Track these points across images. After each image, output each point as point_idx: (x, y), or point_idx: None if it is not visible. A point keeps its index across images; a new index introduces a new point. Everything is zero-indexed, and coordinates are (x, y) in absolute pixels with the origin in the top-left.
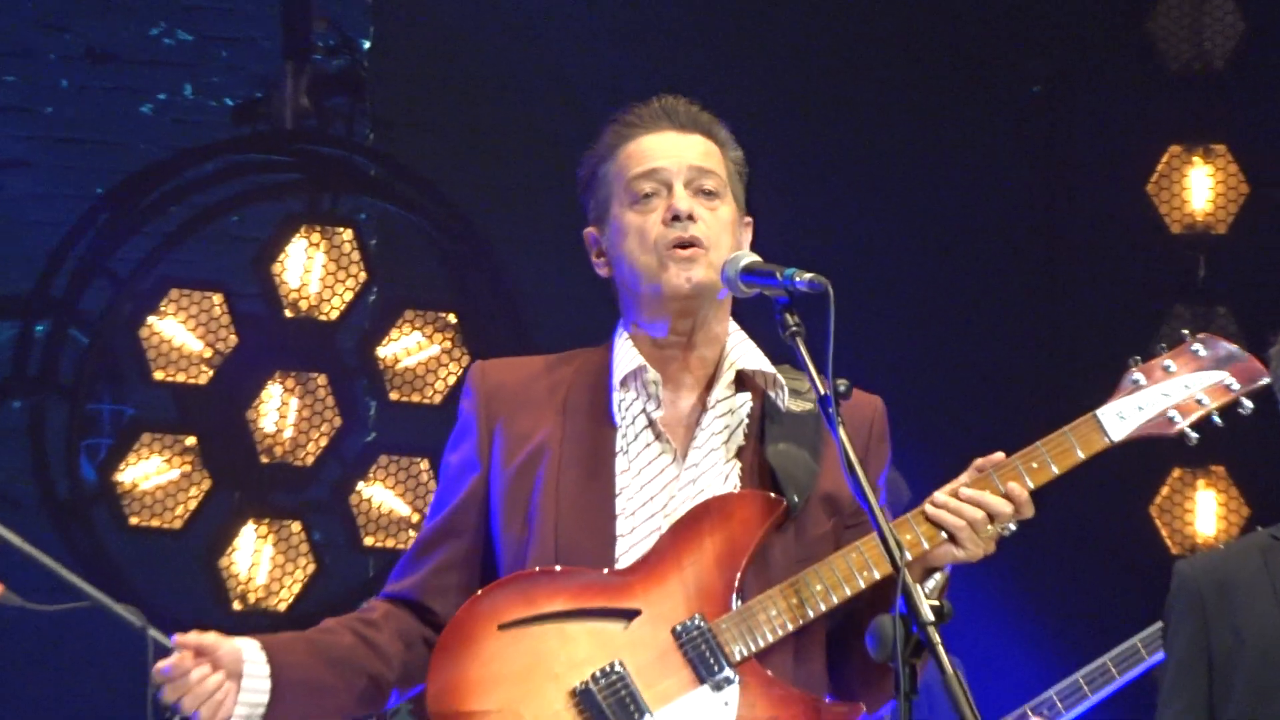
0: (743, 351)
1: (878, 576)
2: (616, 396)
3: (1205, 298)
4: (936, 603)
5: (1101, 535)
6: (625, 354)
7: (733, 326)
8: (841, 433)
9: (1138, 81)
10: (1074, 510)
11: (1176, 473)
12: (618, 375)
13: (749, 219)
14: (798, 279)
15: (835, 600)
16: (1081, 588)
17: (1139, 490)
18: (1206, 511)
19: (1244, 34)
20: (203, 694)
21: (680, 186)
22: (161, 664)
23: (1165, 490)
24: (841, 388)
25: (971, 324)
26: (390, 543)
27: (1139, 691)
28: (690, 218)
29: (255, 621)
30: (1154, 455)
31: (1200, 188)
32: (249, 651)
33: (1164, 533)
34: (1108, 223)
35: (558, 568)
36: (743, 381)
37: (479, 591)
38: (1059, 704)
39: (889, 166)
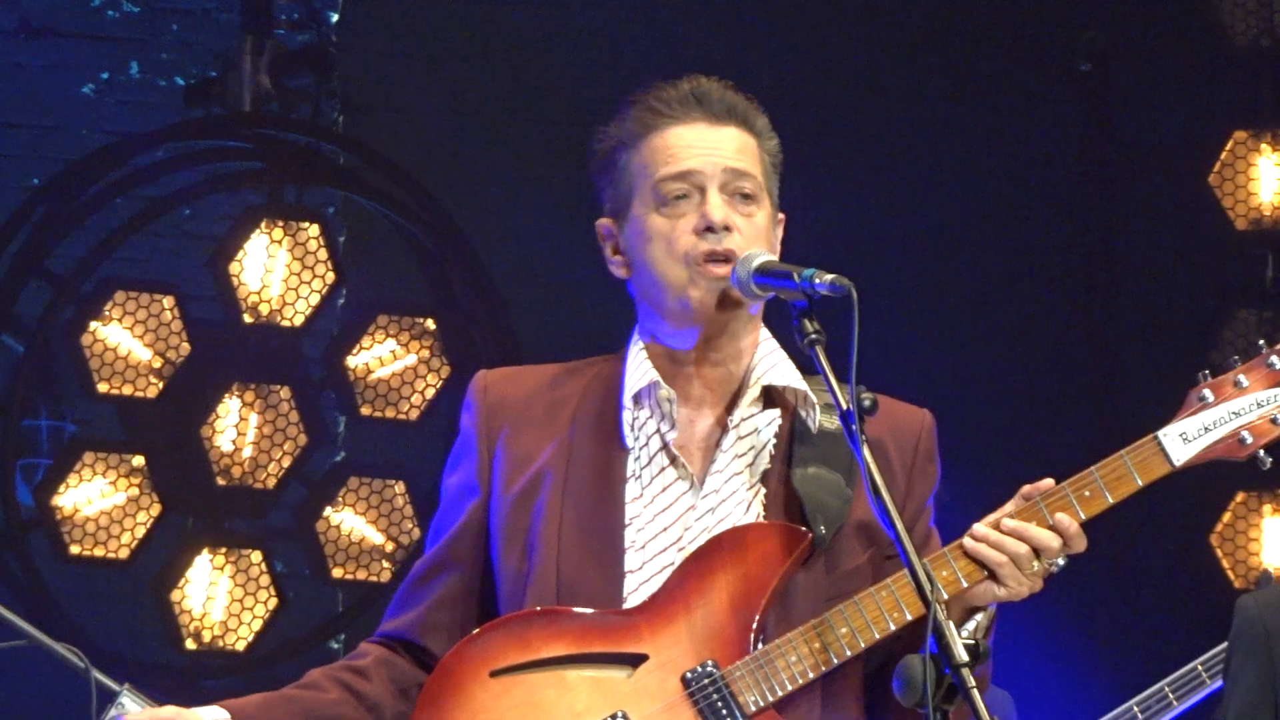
0: (771, 364)
1: (909, 618)
2: (628, 415)
3: (1274, 301)
4: (972, 641)
5: (1156, 565)
6: (638, 368)
7: (764, 335)
8: (866, 452)
9: (1199, 59)
10: (1125, 538)
11: (1240, 497)
12: (629, 391)
13: (782, 215)
14: (818, 281)
15: (862, 644)
16: (1135, 622)
17: (1199, 516)
18: (1274, 540)
19: None
20: None
21: (715, 192)
22: None
23: (1228, 516)
24: (867, 401)
25: (1012, 333)
26: (361, 574)
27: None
28: (726, 228)
29: (210, 662)
30: (1216, 477)
31: (1268, 178)
32: None
33: (1225, 563)
34: (1164, 218)
35: (557, 608)
36: (771, 398)
37: (471, 634)
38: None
39: (921, 156)
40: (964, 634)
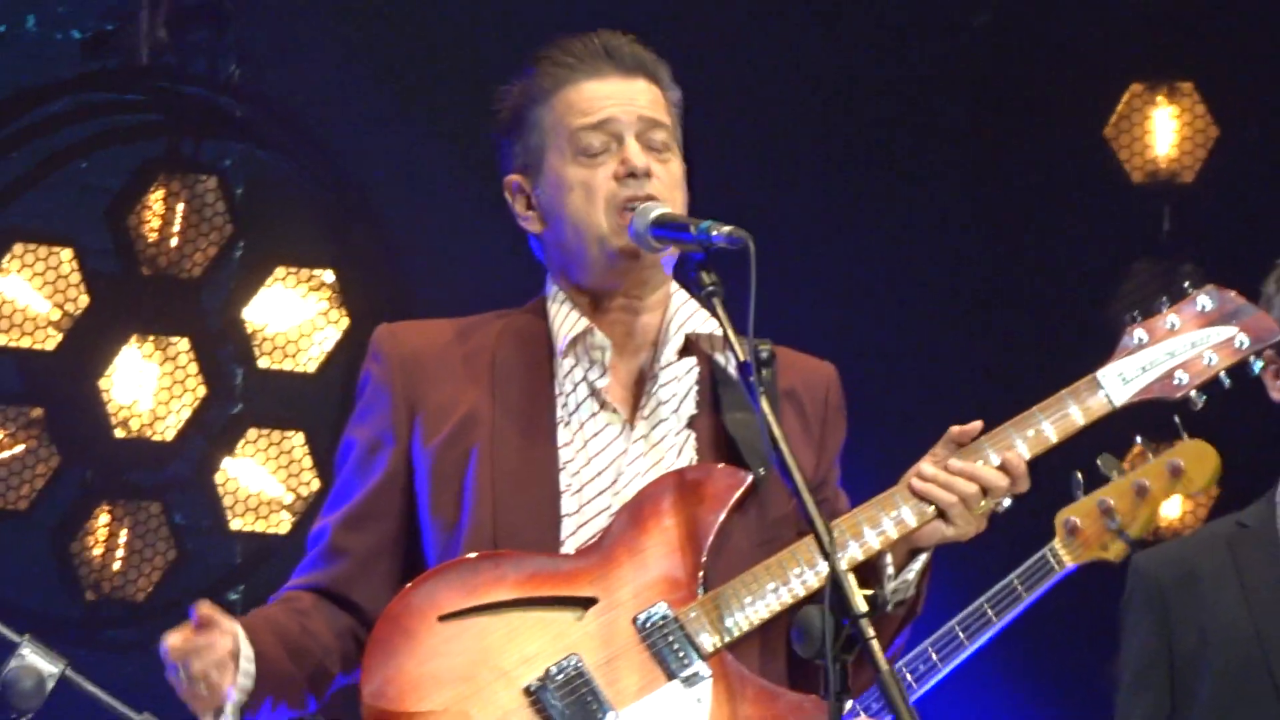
0: (689, 313)
1: (860, 559)
2: (560, 363)
3: (1170, 253)
4: (870, 592)
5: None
6: (566, 318)
7: (674, 287)
8: (764, 404)
9: (1093, 12)
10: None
11: (1138, 448)
12: (561, 341)
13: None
14: (714, 233)
15: (815, 584)
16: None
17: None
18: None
19: None
20: (213, 662)
21: (632, 140)
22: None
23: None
24: (765, 353)
25: (909, 285)
26: (261, 526)
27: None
28: (646, 174)
29: (109, 612)
30: (1120, 430)
31: (1164, 131)
32: (241, 634)
33: None
34: (1060, 171)
35: (502, 552)
36: (687, 347)
37: (413, 581)
38: (934, 657)
39: (816, 108)
40: (910, 574)
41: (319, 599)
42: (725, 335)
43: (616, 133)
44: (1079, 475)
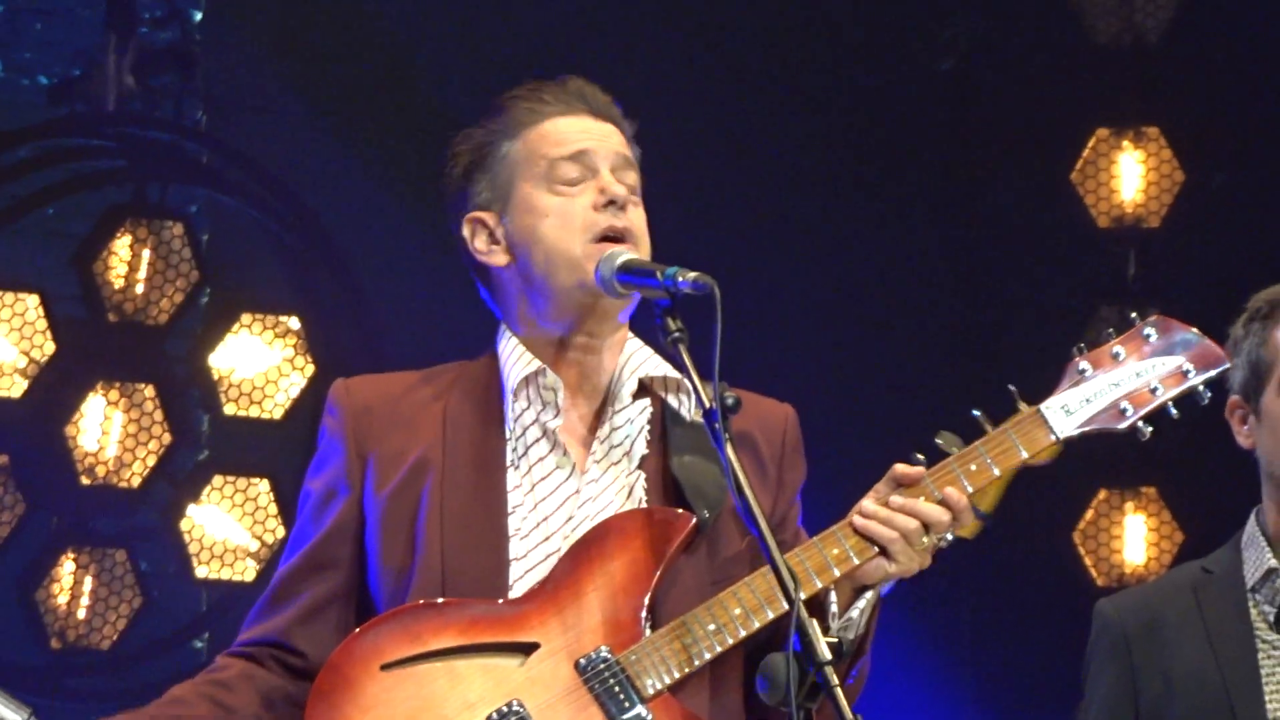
0: (642, 358)
1: (771, 616)
2: (511, 406)
3: (1135, 298)
4: (835, 639)
5: (1019, 563)
6: (518, 358)
7: (628, 334)
8: (729, 450)
9: (1061, 57)
10: (987, 535)
11: (1102, 494)
12: (511, 381)
13: None
14: (680, 279)
15: (756, 624)
16: (996, 619)
17: (1062, 514)
18: (1135, 538)
19: (1179, 2)
20: None
21: (607, 171)
22: None
23: (1090, 514)
24: (730, 399)
25: (878, 328)
26: (226, 573)
27: None
28: (623, 206)
29: (74, 660)
30: (1078, 473)
31: (1130, 176)
32: None
33: (1088, 561)
34: (1027, 215)
35: (442, 600)
36: (640, 390)
37: (356, 630)
38: None
39: (785, 154)
40: (855, 612)
41: (253, 665)
42: (690, 381)
43: (593, 165)
44: (919, 456)
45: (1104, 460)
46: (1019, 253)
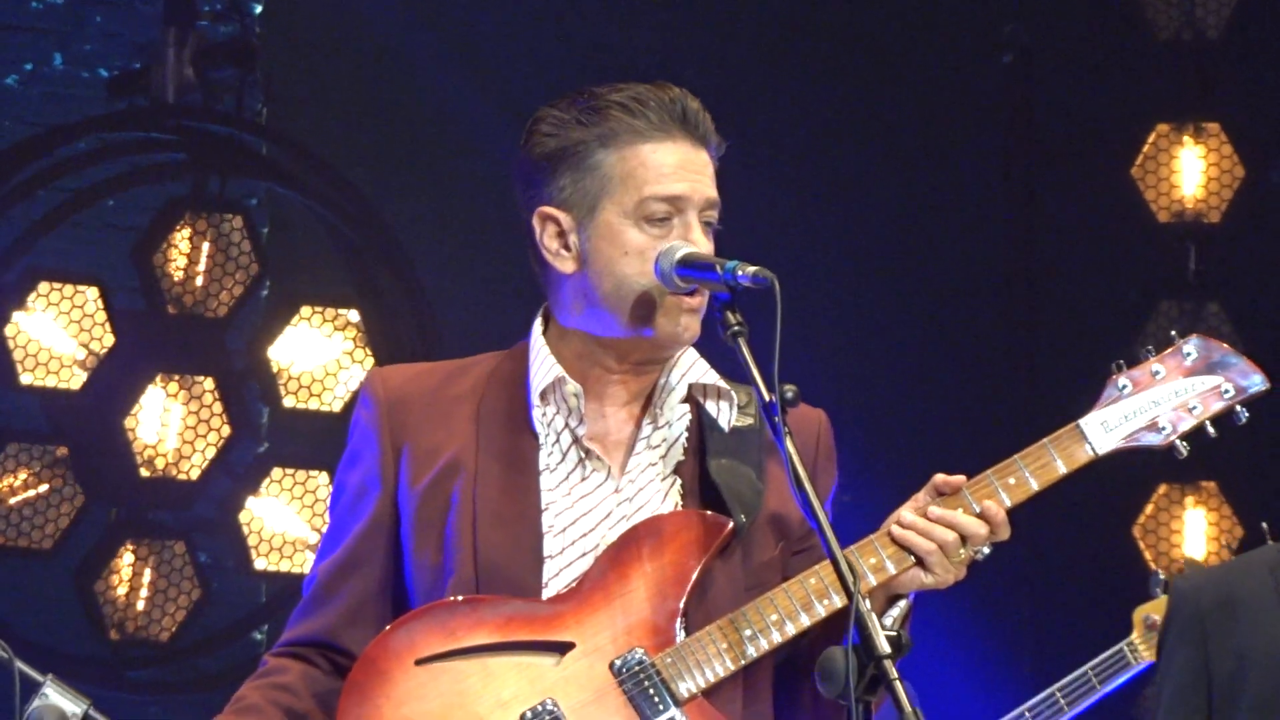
0: (690, 362)
1: (838, 604)
2: (537, 412)
3: (1195, 293)
4: (894, 633)
5: (1079, 557)
6: (543, 364)
7: None
8: (789, 444)
9: (1121, 52)
10: (1048, 530)
11: (1162, 489)
12: (536, 389)
13: None
14: (740, 273)
15: (792, 631)
16: (1055, 615)
17: (1122, 509)
18: (1195, 532)
19: None
20: None
21: (696, 219)
22: None
23: (1150, 508)
24: (789, 394)
25: (935, 326)
26: (285, 565)
27: None
28: None
29: (134, 653)
30: (1138, 469)
31: (1190, 171)
32: None
33: (1148, 555)
34: (1086, 211)
35: (480, 596)
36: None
37: (391, 624)
38: None
39: (844, 148)
40: (885, 622)
41: (308, 666)
42: (751, 376)
43: (683, 209)
44: (1160, 574)
45: (1164, 455)
46: (1079, 248)
